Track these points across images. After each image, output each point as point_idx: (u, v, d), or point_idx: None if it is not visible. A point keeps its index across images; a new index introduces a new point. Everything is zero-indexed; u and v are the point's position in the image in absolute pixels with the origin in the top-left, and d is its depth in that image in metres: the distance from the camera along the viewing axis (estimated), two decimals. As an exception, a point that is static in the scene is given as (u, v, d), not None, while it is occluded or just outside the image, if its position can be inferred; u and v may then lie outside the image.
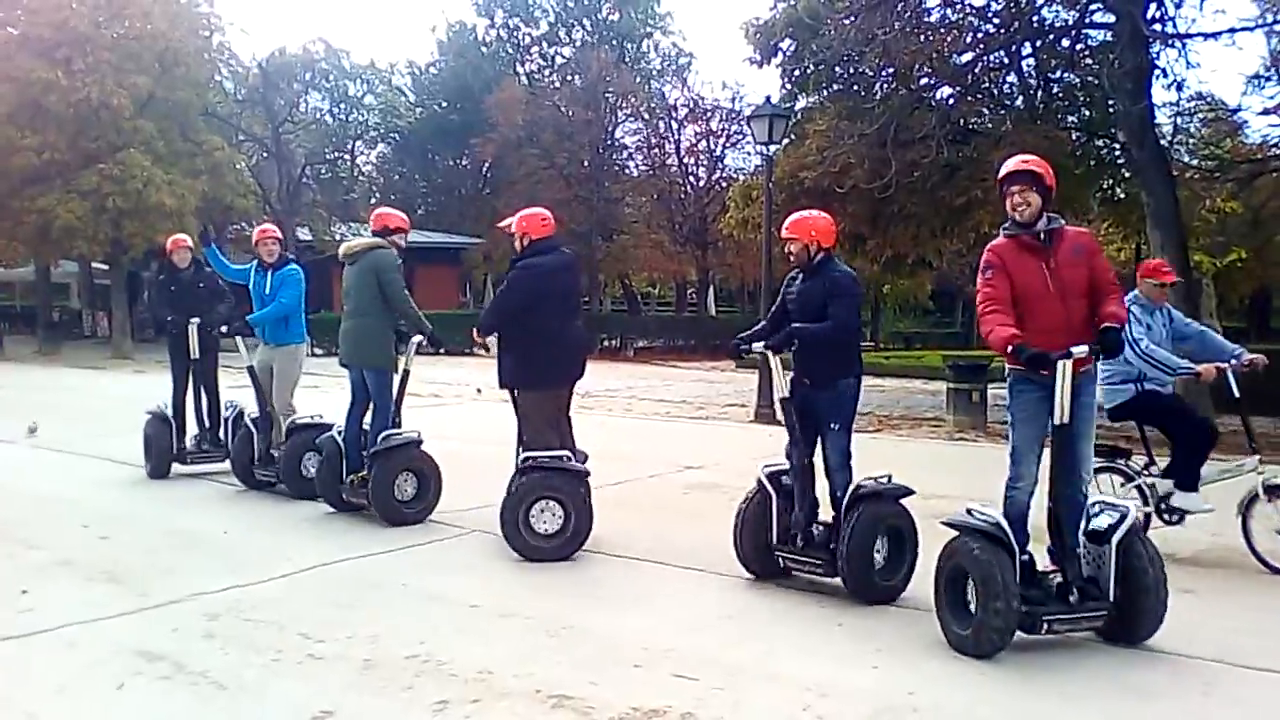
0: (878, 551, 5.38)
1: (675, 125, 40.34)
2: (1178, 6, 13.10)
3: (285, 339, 8.60)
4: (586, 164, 38.23)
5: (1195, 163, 17.52)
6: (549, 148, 37.21)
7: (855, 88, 15.35)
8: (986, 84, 15.33)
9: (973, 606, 4.56)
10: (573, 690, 4.14)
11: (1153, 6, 12.88)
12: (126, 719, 3.97)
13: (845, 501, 5.45)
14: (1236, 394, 6.34)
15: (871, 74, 14.87)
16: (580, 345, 6.92)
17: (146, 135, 26.32)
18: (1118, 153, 15.05)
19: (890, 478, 5.50)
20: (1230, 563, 6.35)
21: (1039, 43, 14.34)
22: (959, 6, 14.36)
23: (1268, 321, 38.53)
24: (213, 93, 32.03)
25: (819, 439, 5.66)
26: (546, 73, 48.18)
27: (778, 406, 5.87)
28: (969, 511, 4.72)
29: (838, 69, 15.15)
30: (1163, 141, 14.06)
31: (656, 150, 40.89)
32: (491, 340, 6.76)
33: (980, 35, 14.38)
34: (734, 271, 40.71)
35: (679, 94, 42.30)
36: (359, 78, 44.49)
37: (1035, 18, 14.16)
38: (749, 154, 35.99)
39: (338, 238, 29.95)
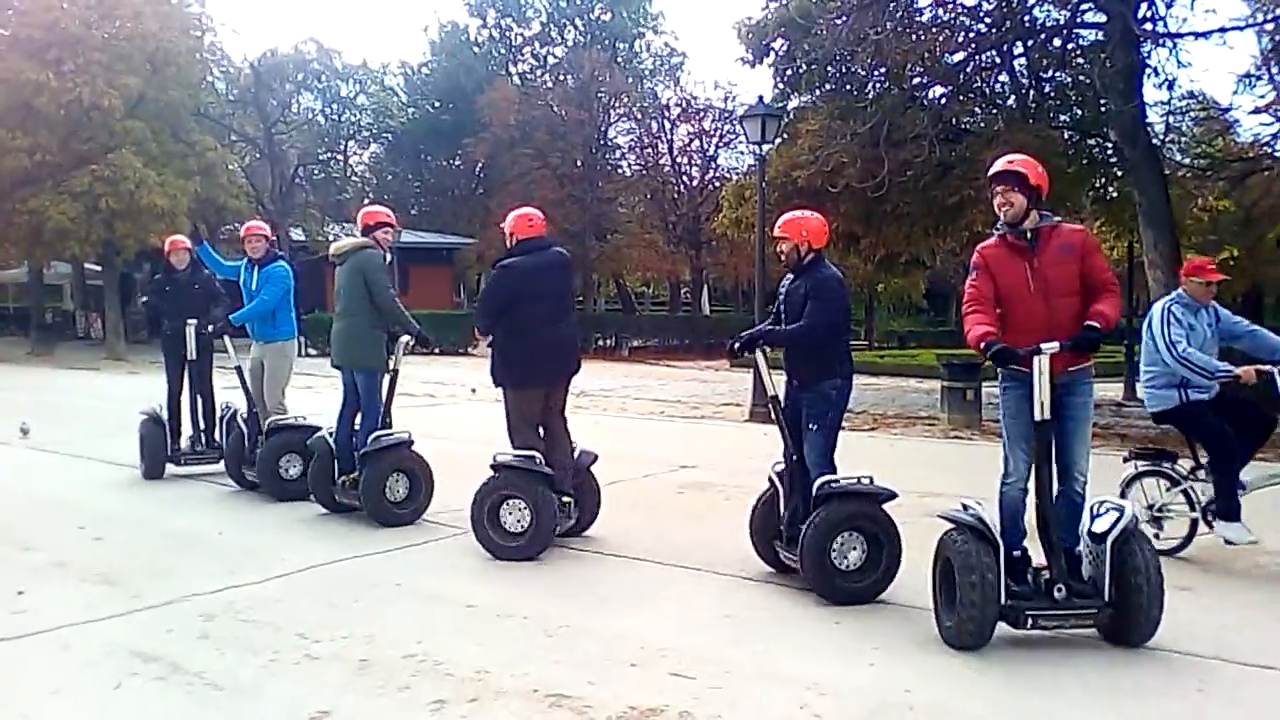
0: (849, 551, 5.31)
1: (668, 125, 40.48)
2: (1169, 6, 13.16)
3: (273, 336, 8.60)
4: (579, 164, 38.29)
5: (1187, 161, 17.57)
6: (542, 147, 37.27)
7: (848, 87, 15.36)
8: (978, 83, 15.34)
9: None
10: (570, 689, 4.14)
11: (1144, 6, 12.93)
12: (123, 720, 3.97)
13: (811, 500, 5.45)
14: None
15: (864, 73, 14.88)
16: (562, 345, 6.72)
17: (138, 136, 26.25)
18: (1110, 152, 15.09)
19: (872, 479, 5.44)
20: (1228, 560, 6.35)
21: (1031, 42, 14.36)
22: (950, 6, 14.38)
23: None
24: (205, 93, 31.96)
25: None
26: (539, 73, 48.24)
27: (770, 406, 5.89)
28: (963, 506, 4.75)
29: (830, 68, 15.16)
30: (1155, 140, 14.12)
31: (649, 150, 41.00)
32: None
33: (972, 35, 14.41)
34: (728, 271, 40.84)
35: (671, 94, 42.51)
36: (351, 78, 44.41)
37: (1027, 17, 14.19)
38: (742, 154, 36.19)
39: (330, 238, 29.95)
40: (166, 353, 9.38)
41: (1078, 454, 4.81)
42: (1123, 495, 6.44)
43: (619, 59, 45.30)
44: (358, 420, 7.46)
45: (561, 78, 43.49)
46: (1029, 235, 4.79)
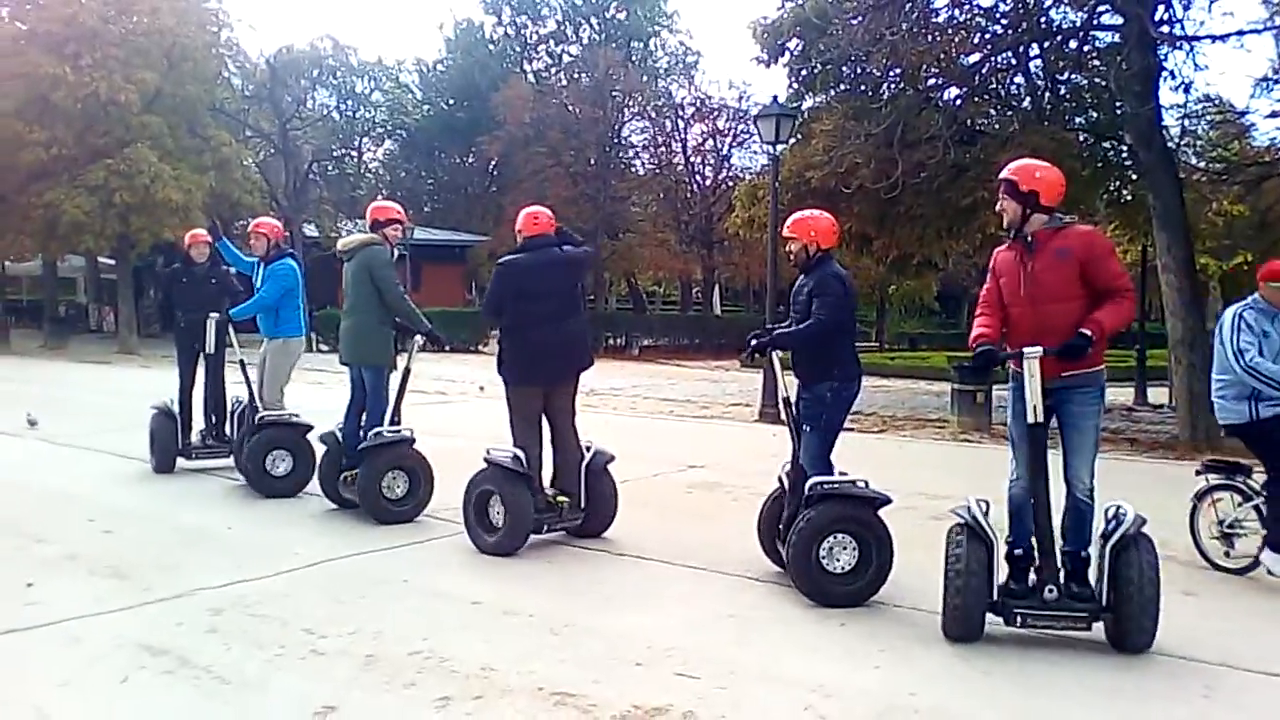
0: (839, 553, 5.29)
1: (682, 124, 40.37)
2: (1186, 8, 13.06)
3: (276, 332, 8.63)
4: (593, 162, 38.26)
5: (1202, 165, 17.47)
6: (555, 146, 37.25)
7: (862, 88, 15.32)
8: (994, 85, 15.28)
9: None
10: (574, 688, 4.15)
11: (1161, 8, 12.85)
12: (130, 712, 3.99)
13: (802, 500, 5.45)
14: None
15: (879, 74, 14.84)
16: (564, 344, 6.61)
17: (154, 131, 26.39)
18: (1125, 155, 15.02)
19: (867, 482, 5.42)
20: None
21: (1047, 44, 14.30)
22: (967, 7, 14.32)
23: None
24: (220, 89, 32.08)
25: None
26: (553, 71, 48.26)
27: (780, 407, 5.88)
28: (966, 504, 4.77)
29: (845, 69, 15.12)
30: (1170, 144, 14.02)
31: (663, 149, 40.92)
32: None
33: (988, 36, 14.35)
34: (739, 271, 40.74)
35: (686, 93, 42.41)
36: (366, 75, 44.52)
37: (1043, 19, 14.13)
38: (755, 153, 36.08)
39: (343, 234, 30.01)
40: (180, 346, 9.42)
41: (1078, 461, 4.79)
42: (1193, 510, 6.28)
43: (634, 58, 45.29)
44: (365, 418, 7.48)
45: (576, 76, 43.48)
46: (1027, 240, 4.79)
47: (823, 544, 5.27)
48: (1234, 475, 6.22)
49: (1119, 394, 18.44)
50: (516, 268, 6.58)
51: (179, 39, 27.13)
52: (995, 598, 4.68)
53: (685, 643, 4.73)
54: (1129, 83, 12.69)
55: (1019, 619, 4.65)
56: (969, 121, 14.92)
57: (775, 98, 15.32)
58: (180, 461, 9.15)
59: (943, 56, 14.20)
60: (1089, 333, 4.56)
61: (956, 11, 14.35)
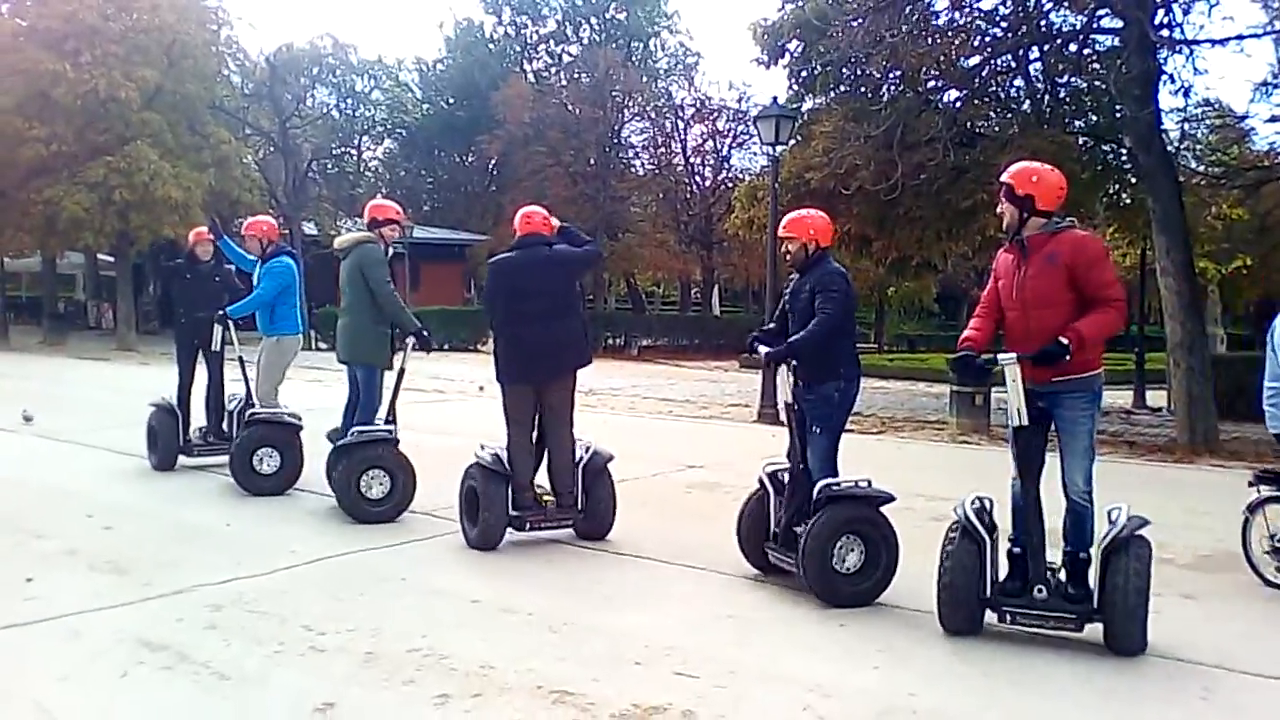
0: (847, 554, 5.29)
1: (682, 125, 40.40)
2: (1186, 12, 13.07)
3: (271, 330, 8.65)
4: (592, 162, 38.27)
5: (1202, 169, 17.47)
6: (555, 145, 37.25)
7: (862, 89, 15.32)
8: (994, 87, 15.29)
9: None
10: (573, 686, 4.16)
11: (1161, 12, 12.85)
12: (129, 707, 3.99)
13: (812, 503, 5.43)
14: None
15: (879, 76, 14.84)
16: (552, 344, 6.54)
17: (154, 128, 26.35)
18: (1124, 158, 15.02)
19: (870, 482, 5.42)
20: (1231, 568, 6.30)
21: (1046, 47, 14.31)
22: (967, 10, 14.33)
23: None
24: (220, 86, 32.04)
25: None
26: (553, 70, 48.23)
27: (781, 409, 5.87)
28: (966, 502, 4.81)
29: (845, 70, 15.13)
30: (1169, 147, 14.03)
31: (663, 149, 40.96)
32: None
33: (988, 39, 14.36)
34: (739, 271, 40.74)
35: (686, 93, 42.43)
36: (366, 73, 44.44)
37: (1043, 22, 14.14)
38: (755, 154, 36.11)
39: (342, 232, 29.97)
40: (180, 343, 9.42)
41: (1072, 464, 4.80)
42: (1245, 522, 5.99)
43: (634, 58, 45.29)
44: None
45: (576, 76, 43.48)
46: (1022, 243, 4.80)
47: (834, 545, 5.28)
48: None
49: (1118, 397, 18.46)
50: (508, 266, 6.63)
51: (179, 36, 27.11)
52: (990, 595, 4.73)
53: (685, 642, 4.74)
54: (1129, 86, 12.70)
55: (1008, 617, 4.72)
56: (969, 124, 14.92)
57: (775, 99, 15.34)
58: (180, 459, 9.14)
59: (943, 59, 14.21)
60: (1065, 341, 4.52)
61: (956, 14, 14.36)
